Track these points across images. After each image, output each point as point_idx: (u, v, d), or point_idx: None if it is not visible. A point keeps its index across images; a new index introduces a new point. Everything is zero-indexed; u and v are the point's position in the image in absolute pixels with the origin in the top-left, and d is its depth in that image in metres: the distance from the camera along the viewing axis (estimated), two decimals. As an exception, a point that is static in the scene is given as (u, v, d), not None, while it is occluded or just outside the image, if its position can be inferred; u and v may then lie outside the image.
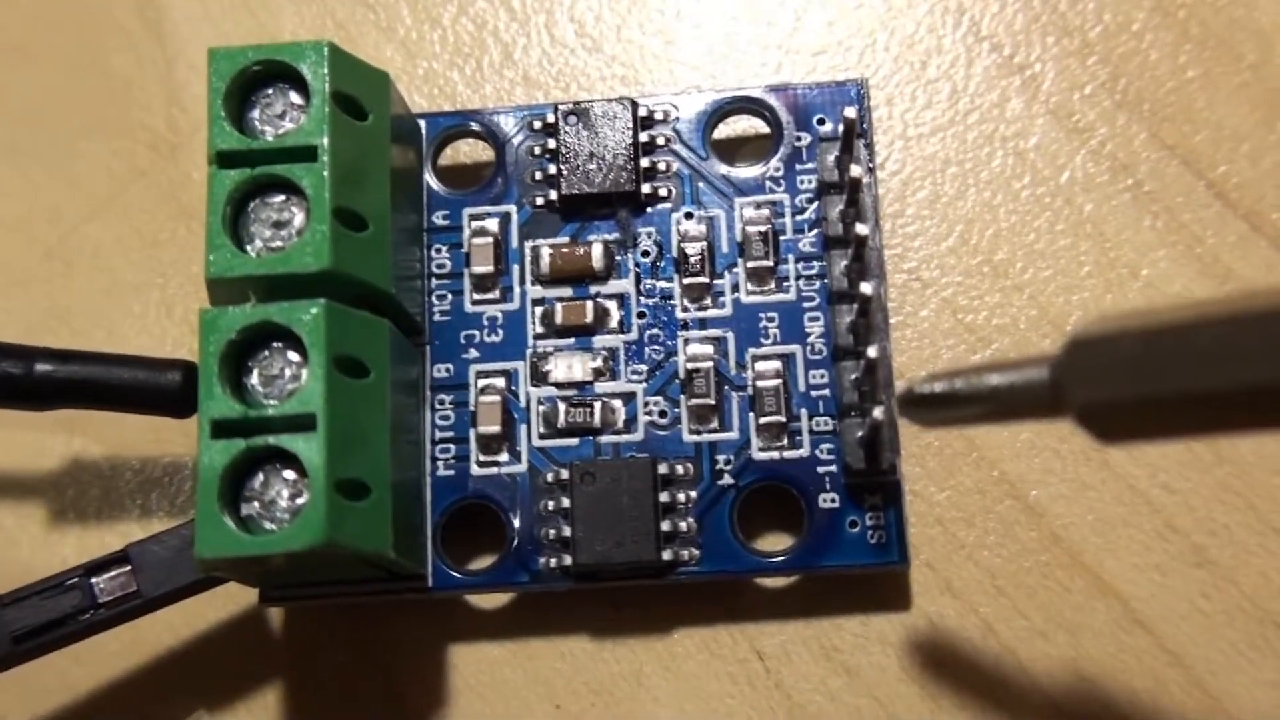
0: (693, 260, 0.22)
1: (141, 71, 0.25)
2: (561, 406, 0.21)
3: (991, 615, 0.21)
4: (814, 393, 0.21)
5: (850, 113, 0.21)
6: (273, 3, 0.25)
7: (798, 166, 0.22)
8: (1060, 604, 0.21)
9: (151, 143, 0.25)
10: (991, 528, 0.21)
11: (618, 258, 0.22)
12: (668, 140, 0.23)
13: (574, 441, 0.21)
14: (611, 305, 0.22)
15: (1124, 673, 0.20)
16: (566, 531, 0.21)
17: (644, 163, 0.22)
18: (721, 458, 0.21)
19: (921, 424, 0.19)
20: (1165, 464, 0.21)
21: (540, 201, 0.22)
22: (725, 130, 0.23)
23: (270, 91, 0.20)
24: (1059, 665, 0.21)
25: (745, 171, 0.22)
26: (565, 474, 0.21)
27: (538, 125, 0.23)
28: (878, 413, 0.19)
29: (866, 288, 0.20)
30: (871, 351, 0.20)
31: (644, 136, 0.22)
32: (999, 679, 0.21)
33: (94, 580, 0.19)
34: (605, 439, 0.21)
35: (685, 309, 0.22)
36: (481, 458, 0.21)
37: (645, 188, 0.22)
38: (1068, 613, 0.21)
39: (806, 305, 0.22)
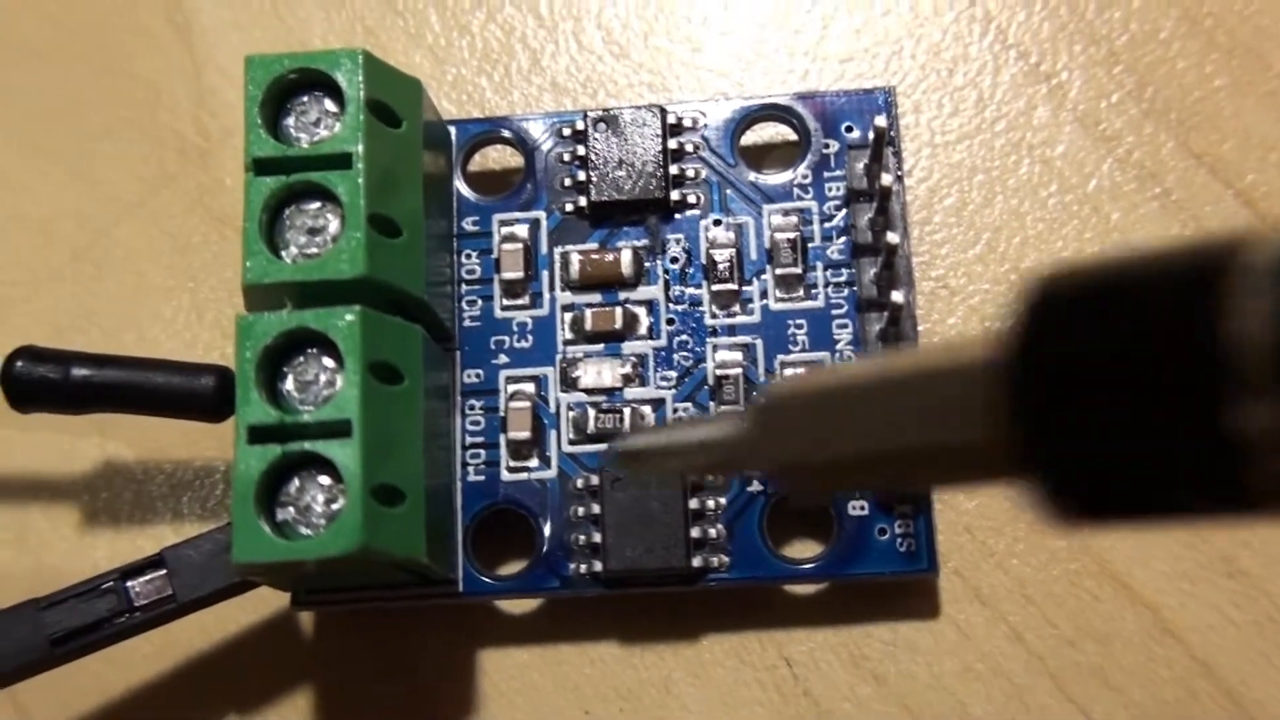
0: (721, 267, 0.22)
1: (169, 76, 0.25)
2: (591, 412, 0.21)
3: (1020, 624, 0.21)
4: (843, 400, 0.21)
5: (881, 121, 0.21)
6: (302, 9, 0.25)
7: (825, 174, 0.22)
8: (1090, 613, 0.21)
9: (180, 148, 0.25)
10: (1021, 536, 0.21)
11: (647, 264, 0.22)
12: (696, 147, 0.23)
13: (604, 447, 0.21)
14: (641, 311, 0.22)
15: (1154, 682, 0.20)
16: (596, 537, 0.21)
17: (673, 169, 0.22)
18: (751, 464, 0.21)
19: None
20: (1194, 472, 0.21)
21: (570, 208, 0.22)
22: (753, 137, 0.23)
23: (305, 99, 0.20)
24: (1088, 674, 0.21)
25: (773, 178, 0.22)
26: (595, 480, 0.21)
27: (567, 132, 0.23)
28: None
29: (898, 296, 0.20)
30: (903, 360, 0.20)
31: (673, 143, 0.22)
32: (1028, 688, 0.21)
33: (129, 584, 0.19)
34: (635, 445, 0.21)
35: (714, 315, 0.22)
36: (512, 463, 0.21)
37: (674, 194, 0.22)
38: (1097, 622, 0.21)
39: (835, 312, 0.22)
